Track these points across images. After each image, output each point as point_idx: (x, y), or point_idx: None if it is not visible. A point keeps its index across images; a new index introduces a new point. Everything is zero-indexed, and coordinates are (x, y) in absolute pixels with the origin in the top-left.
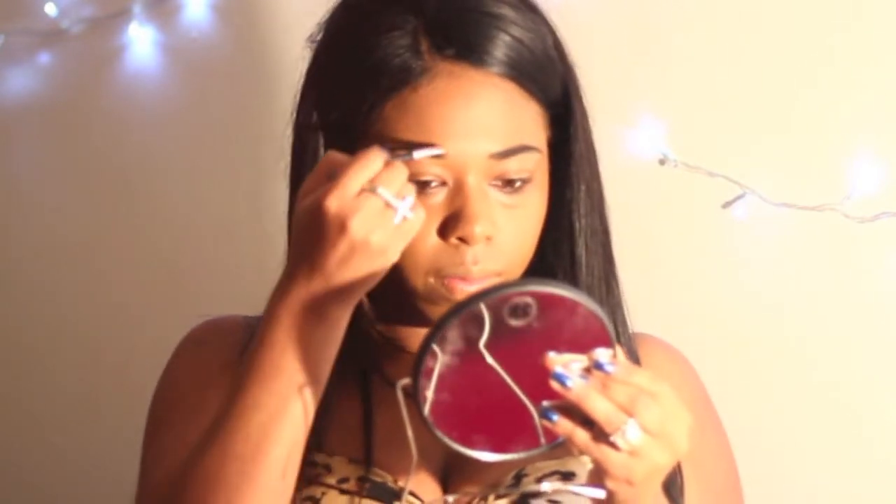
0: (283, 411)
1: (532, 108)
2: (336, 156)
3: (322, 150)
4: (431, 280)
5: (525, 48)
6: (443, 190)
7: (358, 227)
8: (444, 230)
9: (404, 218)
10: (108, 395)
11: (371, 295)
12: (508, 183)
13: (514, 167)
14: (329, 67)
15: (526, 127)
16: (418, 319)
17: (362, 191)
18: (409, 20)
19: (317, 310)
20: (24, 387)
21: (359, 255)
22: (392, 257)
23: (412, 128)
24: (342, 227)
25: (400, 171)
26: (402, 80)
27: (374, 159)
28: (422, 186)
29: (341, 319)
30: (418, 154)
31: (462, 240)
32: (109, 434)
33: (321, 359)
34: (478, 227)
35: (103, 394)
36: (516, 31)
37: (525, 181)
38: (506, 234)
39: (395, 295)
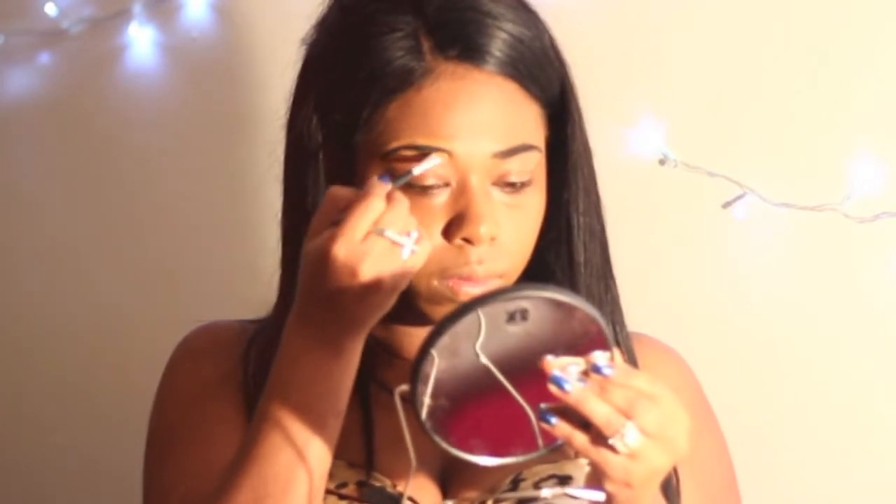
0: (309, 446)
1: (532, 107)
2: (339, 193)
3: (321, 153)
4: (435, 282)
5: (525, 48)
6: (446, 191)
7: (368, 270)
8: (449, 231)
9: (412, 252)
10: (107, 394)
11: None
12: (510, 184)
13: (516, 167)
14: (329, 69)
15: (527, 126)
16: (419, 320)
17: (368, 233)
18: (409, 21)
19: (333, 345)
20: (24, 387)
21: (371, 293)
22: (402, 289)
23: (415, 129)
24: (353, 272)
25: (402, 207)
26: (404, 81)
27: (377, 200)
28: (425, 188)
29: (357, 349)
30: (418, 169)
31: (467, 240)
32: (109, 434)
33: (341, 390)
34: (483, 228)
35: (103, 393)
36: (516, 31)
37: (526, 182)
38: (508, 235)
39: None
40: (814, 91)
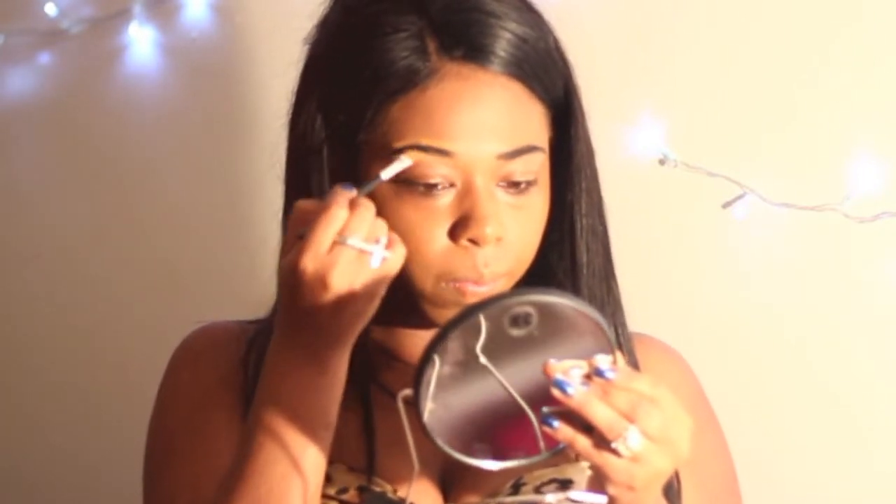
0: (301, 460)
1: (537, 108)
2: (304, 206)
3: (325, 152)
4: (443, 284)
5: (530, 48)
6: (451, 192)
7: (338, 280)
8: (454, 232)
9: (383, 258)
10: (107, 394)
11: None
12: (514, 184)
13: (520, 168)
14: (332, 69)
15: (532, 127)
16: (421, 323)
17: (334, 244)
18: (414, 21)
19: (317, 360)
20: (25, 387)
21: (347, 304)
22: (380, 295)
23: (420, 129)
24: (324, 284)
25: (366, 214)
26: (409, 81)
27: (339, 209)
28: (429, 188)
29: (342, 362)
30: (386, 174)
31: (473, 241)
32: (109, 434)
33: (330, 403)
34: (488, 229)
35: (103, 393)
36: (521, 31)
37: (530, 182)
38: (513, 235)
39: (399, 297)
40: (814, 91)
